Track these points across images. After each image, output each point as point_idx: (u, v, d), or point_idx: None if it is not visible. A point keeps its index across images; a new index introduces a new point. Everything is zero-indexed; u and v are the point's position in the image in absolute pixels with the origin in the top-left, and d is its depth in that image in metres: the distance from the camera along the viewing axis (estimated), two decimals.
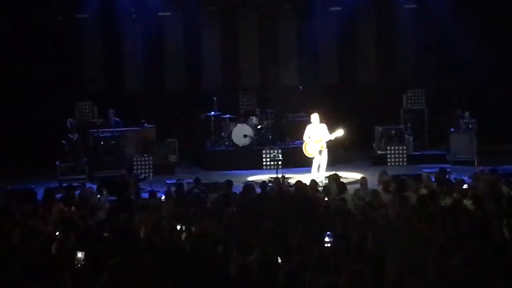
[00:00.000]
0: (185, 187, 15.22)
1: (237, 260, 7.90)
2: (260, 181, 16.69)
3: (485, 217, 10.27)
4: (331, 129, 18.46)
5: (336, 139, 18.20)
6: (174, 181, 16.70)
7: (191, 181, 16.06)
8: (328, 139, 17.98)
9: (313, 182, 15.21)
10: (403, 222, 9.90)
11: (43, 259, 8.59)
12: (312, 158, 18.07)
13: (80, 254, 8.70)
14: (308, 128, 18.23)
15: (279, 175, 17.61)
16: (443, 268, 7.36)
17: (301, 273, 7.62)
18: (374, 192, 13.37)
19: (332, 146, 18.89)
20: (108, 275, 7.76)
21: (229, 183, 14.72)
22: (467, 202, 12.04)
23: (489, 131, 20.65)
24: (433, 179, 14.89)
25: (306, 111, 19.42)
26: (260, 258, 7.88)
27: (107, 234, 10.55)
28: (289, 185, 16.33)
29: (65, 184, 17.18)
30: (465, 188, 13.41)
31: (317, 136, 17.98)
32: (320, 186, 15.87)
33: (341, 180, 15.24)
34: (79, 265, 8.64)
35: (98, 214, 12.91)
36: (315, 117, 18.21)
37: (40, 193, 16.13)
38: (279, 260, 8.26)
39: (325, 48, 23.39)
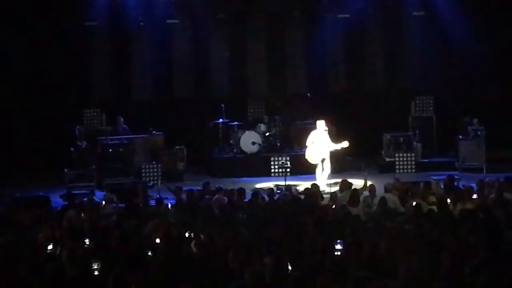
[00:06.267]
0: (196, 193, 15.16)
1: (249, 267, 7.88)
2: (267, 188, 16.66)
3: (495, 224, 10.24)
4: (338, 137, 18.48)
5: (342, 148, 18.23)
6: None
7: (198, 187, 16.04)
8: (333, 148, 17.99)
9: (315, 185, 15.24)
10: (415, 230, 9.89)
11: (54, 267, 8.58)
12: (315, 165, 18.10)
13: (95, 265, 8.67)
14: (312, 134, 18.24)
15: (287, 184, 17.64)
16: (455, 276, 7.34)
17: (311, 280, 7.60)
18: (382, 199, 13.36)
19: (340, 154, 18.90)
20: (112, 284, 7.76)
21: (242, 191, 14.74)
22: (476, 210, 11.99)
23: (497, 138, 20.59)
24: (442, 186, 14.87)
25: (314, 118, 19.42)
26: (271, 265, 7.88)
27: (116, 242, 10.54)
28: (298, 192, 16.32)
29: (74, 192, 17.21)
30: (474, 196, 13.37)
31: (320, 144, 17.98)
32: (326, 194, 15.93)
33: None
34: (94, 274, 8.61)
35: (107, 221, 12.94)
36: (321, 123, 18.23)
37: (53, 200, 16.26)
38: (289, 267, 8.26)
39: (333, 55, 23.39)
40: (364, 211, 13.30)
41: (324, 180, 17.83)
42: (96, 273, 8.65)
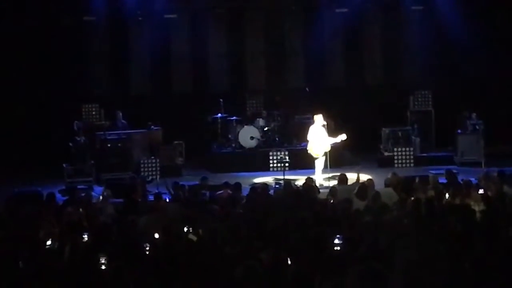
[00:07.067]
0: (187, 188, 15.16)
1: (245, 262, 7.87)
2: (261, 183, 16.63)
3: (495, 218, 10.24)
4: (337, 131, 18.47)
5: (341, 141, 18.24)
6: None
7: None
8: (333, 142, 18.00)
9: (310, 179, 15.26)
10: (414, 224, 9.88)
11: (53, 262, 8.57)
12: (314, 159, 18.12)
13: (103, 260, 8.65)
14: (312, 128, 18.25)
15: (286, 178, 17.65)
16: (454, 270, 7.34)
17: (309, 275, 7.59)
18: (376, 194, 13.34)
19: (339, 148, 18.90)
20: (109, 278, 7.77)
21: (238, 186, 14.74)
22: (476, 204, 12.01)
23: (496, 132, 20.61)
24: (442, 181, 14.88)
25: (313, 112, 19.43)
26: (269, 259, 7.87)
27: (115, 237, 10.55)
28: (297, 186, 16.31)
29: (75, 187, 17.21)
30: (474, 190, 13.37)
31: (319, 138, 18.00)
32: (324, 188, 15.94)
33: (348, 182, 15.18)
34: (100, 269, 8.59)
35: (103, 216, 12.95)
36: (319, 118, 18.24)
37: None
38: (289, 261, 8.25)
39: (331, 50, 23.41)
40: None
41: (321, 174, 17.85)
42: (103, 267, 8.63)
